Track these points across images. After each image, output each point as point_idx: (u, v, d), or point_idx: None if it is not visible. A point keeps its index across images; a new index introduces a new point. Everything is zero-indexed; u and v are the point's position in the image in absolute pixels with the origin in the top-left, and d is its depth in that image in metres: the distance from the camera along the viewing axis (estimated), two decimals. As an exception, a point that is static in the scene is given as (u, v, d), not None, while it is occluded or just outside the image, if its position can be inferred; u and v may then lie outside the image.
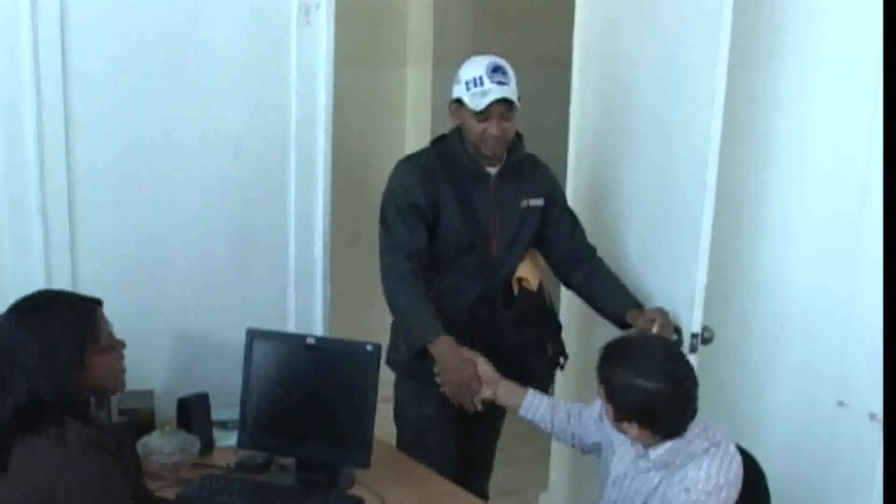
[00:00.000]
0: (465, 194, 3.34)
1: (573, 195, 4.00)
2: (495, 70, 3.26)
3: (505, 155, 3.41)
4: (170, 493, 2.84)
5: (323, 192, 3.79)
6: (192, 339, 3.56)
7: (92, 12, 3.26)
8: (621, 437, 2.77)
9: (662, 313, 3.22)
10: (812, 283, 3.44)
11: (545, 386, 3.44)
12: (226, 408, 3.34)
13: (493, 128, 3.26)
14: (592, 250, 3.55)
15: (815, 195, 3.42)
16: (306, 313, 3.84)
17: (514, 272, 3.42)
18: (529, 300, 3.45)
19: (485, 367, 3.17)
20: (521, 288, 3.43)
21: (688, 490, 2.56)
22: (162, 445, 3.05)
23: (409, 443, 3.41)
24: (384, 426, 3.17)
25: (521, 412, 3.13)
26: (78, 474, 2.13)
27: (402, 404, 3.55)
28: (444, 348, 3.16)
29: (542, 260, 3.54)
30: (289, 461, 3.14)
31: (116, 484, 2.22)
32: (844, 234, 3.30)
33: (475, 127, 3.27)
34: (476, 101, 3.23)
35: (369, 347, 3.01)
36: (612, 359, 2.64)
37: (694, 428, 2.64)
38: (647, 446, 2.67)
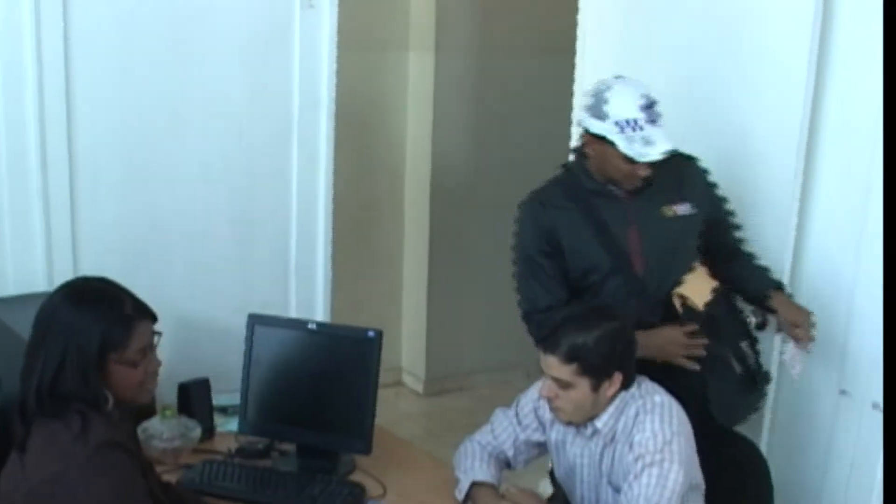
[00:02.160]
0: (595, 214, 3.06)
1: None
2: (649, 107, 2.90)
3: None
4: (170, 479, 2.83)
5: (325, 177, 3.79)
6: (194, 324, 3.56)
7: (95, -5, 3.25)
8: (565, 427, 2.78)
9: (806, 321, 3.08)
10: (814, 272, 3.43)
11: (746, 411, 3.22)
12: (226, 393, 3.33)
13: (643, 171, 2.96)
14: (741, 241, 3.30)
15: (819, 186, 3.40)
16: (308, 299, 3.84)
17: (675, 289, 3.07)
18: (698, 318, 3.06)
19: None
20: (685, 306, 3.06)
21: (641, 456, 2.56)
22: (162, 431, 3.04)
23: None
24: (384, 412, 3.16)
25: None
26: (97, 475, 2.11)
27: None
28: None
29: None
30: (289, 447, 3.13)
31: (135, 485, 2.20)
32: (848, 224, 3.29)
33: (621, 167, 2.95)
34: (635, 149, 2.88)
35: (371, 333, 3.00)
36: (558, 338, 2.61)
37: (632, 388, 2.68)
38: (595, 417, 2.67)
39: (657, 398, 2.66)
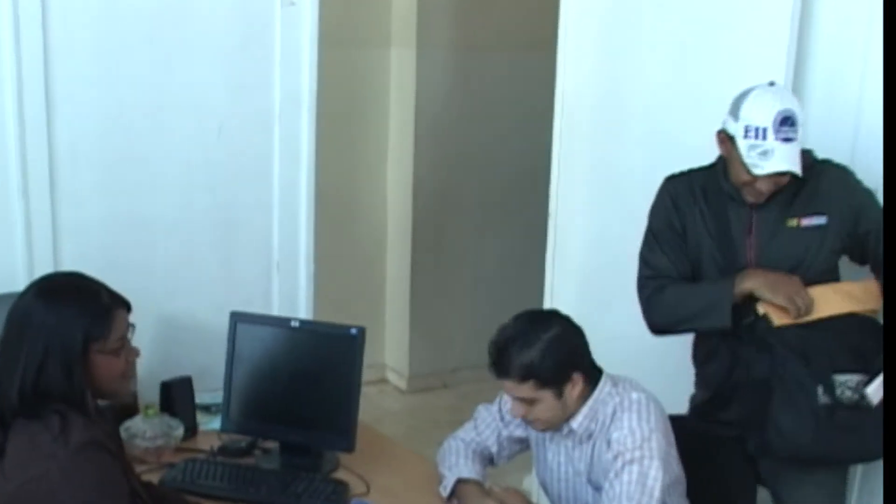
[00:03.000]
0: (721, 215, 2.97)
1: (559, 184, 4.00)
2: (784, 122, 2.73)
3: None
4: (153, 478, 2.82)
5: (307, 174, 3.79)
6: (176, 322, 3.55)
7: (73, -9, 3.23)
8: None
9: None
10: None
11: (820, 448, 2.81)
12: (209, 391, 3.32)
13: (764, 186, 2.81)
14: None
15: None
16: (290, 296, 3.84)
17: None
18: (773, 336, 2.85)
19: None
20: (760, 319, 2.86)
21: (620, 454, 2.56)
22: (145, 429, 3.03)
23: None
24: (367, 410, 3.15)
25: None
26: (78, 475, 2.09)
27: None
28: None
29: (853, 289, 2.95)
30: (272, 445, 3.12)
31: (117, 486, 2.19)
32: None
33: (741, 175, 2.83)
34: (752, 158, 2.77)
35: (353, 331, 2.99)
36: (505, 363, 2.60)
37: (605, 386, 2.68)
38: (570, 419, 2.68)
39: (634, 395, 2.66)
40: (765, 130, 2.73)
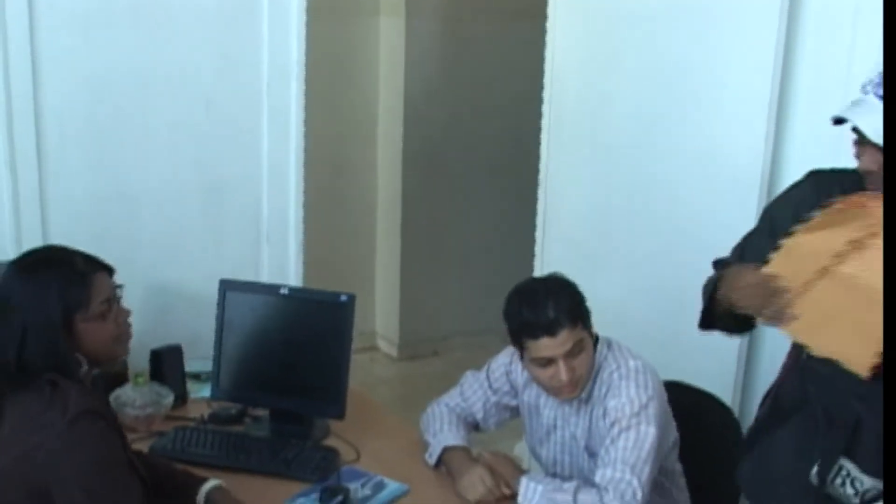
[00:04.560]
0: None
1: (549, 153, 4.00)
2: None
3: None
4: (143, 446, 2.83)
5: (296, 143, 3.78)
6: (165, 290, 3.55)
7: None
8: (538, 390, 2.80)
9: None
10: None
11: None
12: (199, 359, 3.33)
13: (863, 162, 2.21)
14: None
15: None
16: (280, 264, 3.84)
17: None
18: None
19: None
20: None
21: (617, 420, 2.57)
22: (135, 398, 3.04)
23: None
24: (358, 377, 3.16)
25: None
26: (77, 444, 2.09)
27: None
28: None
29: None
30: (263, 413, 3.13)
31: (116, 454, 2.19)
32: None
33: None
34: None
35: (343, 298, 3.00)
36: (555, 314, 2.57)
37: (603, 349, 2.70)
38: None
39: (632, 363, 2.67)
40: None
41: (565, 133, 4.02)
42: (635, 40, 3.67)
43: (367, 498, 2.65)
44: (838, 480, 2.25)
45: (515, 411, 2.95)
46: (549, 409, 2.80)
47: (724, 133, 3.41)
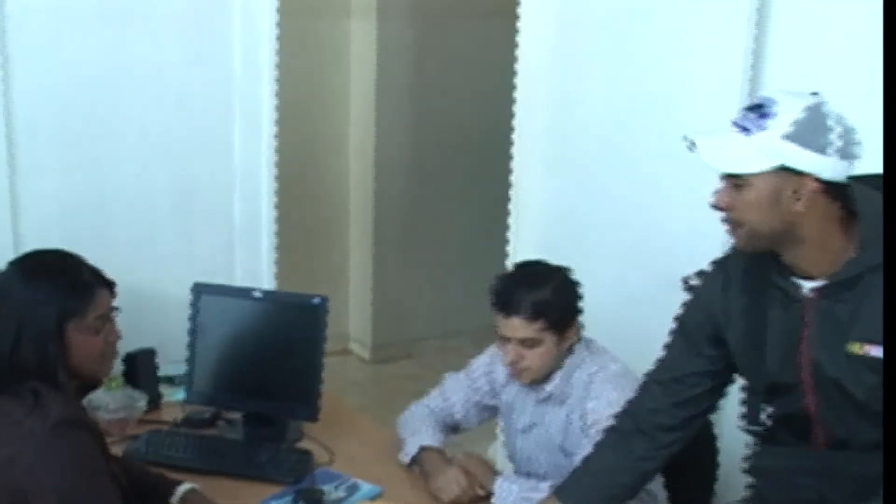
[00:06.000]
0: None
1: (520, 154, 4.01)
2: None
3: None
4: (116, 450, 2.81)
5: (267, 145, 3.77)
6: (138, 294, 3.51)
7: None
8: (517, 389, 2.83)
9: None
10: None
11: None
12: (172, 363, 3.32)
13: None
14: None
15: None
16: (252, 267, 3.83)
17: None
18: None
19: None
20: None
21: (596, 422, 2.59)
22: (108, 402, 3.02)
23: None
24: (332, 380, 3.16)
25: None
26: (57, 452, 2.07)
27: None
28: None
29: None
30: (236, 416, 3.13)
31: (96, 463, 2.17)
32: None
33: None
34: None
35: (316, 300, 3.00)
36: (518, 299, 2.63)
37: (580, 350, 2.73)
38: (545, 381, 2.72)
39: (611, 366, 2.71)
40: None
41: (536, 133, 4.01)
42: (606, 39, 3.67)
43: (341, 500, 2.65)
44: None
45: (495, 411, 2.97)
46: (527, 405, 2.82)
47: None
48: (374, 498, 2.67)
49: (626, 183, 3.64)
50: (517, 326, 2.63)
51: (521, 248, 4.12)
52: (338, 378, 3.37)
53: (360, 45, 5.90)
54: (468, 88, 6.02)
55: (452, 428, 2.98)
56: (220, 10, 3.59)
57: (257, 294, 3.13)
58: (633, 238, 3.66)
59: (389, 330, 6.19)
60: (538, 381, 2.73)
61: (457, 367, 2.99)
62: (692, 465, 2.75)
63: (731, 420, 3.22)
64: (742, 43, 3.18)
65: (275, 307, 3.12)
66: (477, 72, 5.96)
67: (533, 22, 4.01)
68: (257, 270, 3.85)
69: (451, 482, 2.68)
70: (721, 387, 2.36)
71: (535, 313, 2.62)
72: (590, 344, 2.76)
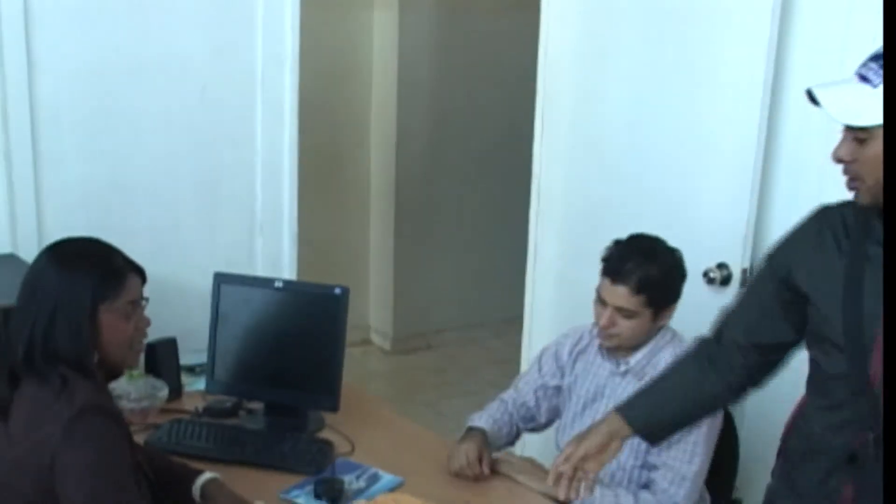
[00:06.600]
0: None
1: (542, 145, 4.00)
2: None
3: None
4: (138, 439, 2.81)
5: (290, 134, 3.78)
6: (159, 283, 3.50)
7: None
8: (584, 364, 2.87)
9: None
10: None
11: None
12: (194, 353, 3.33)
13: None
14: None
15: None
16: (274, 257, 3.84)
17: None
18: None
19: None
20: None
21: None
22: (130, 391, 3.03)
23: None
24: (352, 370, 3.16)
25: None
26: (80, 437, 2.08)
27: None
28: None
29: None
30: (257, 405, 3.13)
31: (120, 452, 2.18)
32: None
33: None
34: None
35: (338, 291, 3.00)
36: (628, 270, 2.66)
37: (667, 333, 2.77)
38: (629, 354, 2.77)
39: (678, 337, 2.76)
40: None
41: (559, 126, 4.01)
42: (629, 33, 3.67)
43: (361, 490, 2.65)
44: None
45: (560, 393, 2.99)
46: (596, 378, 2.85)
47: (717, 127, 3.40)
48: (394, 488, 2.67)
49: (647, 176, 3.63)
50: (619, 295, 2.67)
51: (543, 240, 4.12)
52: (358, 369, 3.37)
53: (382, 36, 5.90)
54: (490, 80, 6.01)
55: (526, 420, 3.00)
56: (244, 1, 3.60)
57: (278, 284, 3.13)
58: (655, 230, 3.64)
59: (410, 321, 6.19)
60: (621, 353, 2.77)
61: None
62: (714, 458, 2.75)
63: (750, 416, 3.25)
64: (765, 35, 3.16)
65: (296, 297, 3.12)
66: (499, 63, 5.95)
67: (556, 13, 4.00)
68: (278, 260, 3.86)
69: (460, 453, 2.75)
70: (792, 345, 2.26)
71: (640, 287, 2.65)
72: (675, 333, 2.78)
